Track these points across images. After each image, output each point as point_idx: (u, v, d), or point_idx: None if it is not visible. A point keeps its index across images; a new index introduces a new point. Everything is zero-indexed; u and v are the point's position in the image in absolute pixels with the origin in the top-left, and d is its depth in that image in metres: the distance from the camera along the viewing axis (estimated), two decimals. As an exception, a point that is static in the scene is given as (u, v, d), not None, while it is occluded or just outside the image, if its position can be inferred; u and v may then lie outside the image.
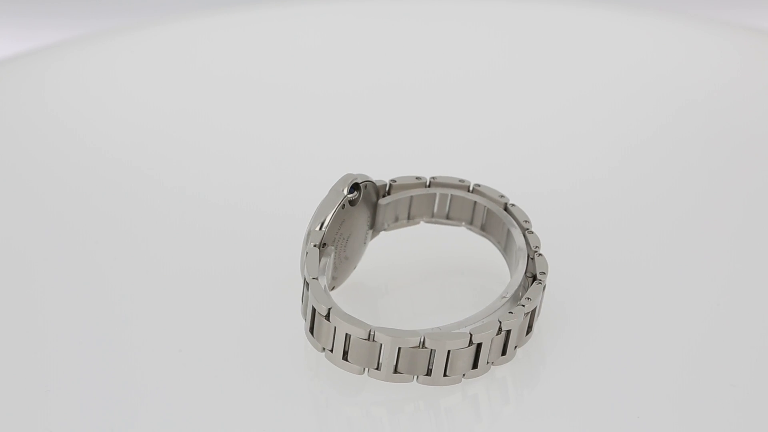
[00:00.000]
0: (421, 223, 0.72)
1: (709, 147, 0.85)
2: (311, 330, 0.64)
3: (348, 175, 0.68)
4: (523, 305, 0.65)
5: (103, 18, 1.19)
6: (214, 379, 0.66)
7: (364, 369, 0.63)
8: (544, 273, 0.66)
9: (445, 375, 0.63)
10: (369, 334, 0.62)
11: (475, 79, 0.91)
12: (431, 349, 0.62)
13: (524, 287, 0.67)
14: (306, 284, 0.64)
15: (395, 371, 0.63)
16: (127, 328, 0.69)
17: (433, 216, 0.72)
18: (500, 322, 0.63)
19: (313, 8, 0.97)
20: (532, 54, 0.93)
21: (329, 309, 0.63)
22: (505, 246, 0.70)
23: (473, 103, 0.89)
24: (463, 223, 0.72)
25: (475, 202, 0.71)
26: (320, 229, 0.66)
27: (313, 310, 0.64)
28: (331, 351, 0.63)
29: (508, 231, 0.70)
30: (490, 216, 0.71)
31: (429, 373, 0.63)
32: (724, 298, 0.72)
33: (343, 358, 0.63)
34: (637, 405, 0.65)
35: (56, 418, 0.64)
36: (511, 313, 0.64)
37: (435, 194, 0.71)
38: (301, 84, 0.90)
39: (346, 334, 0.63)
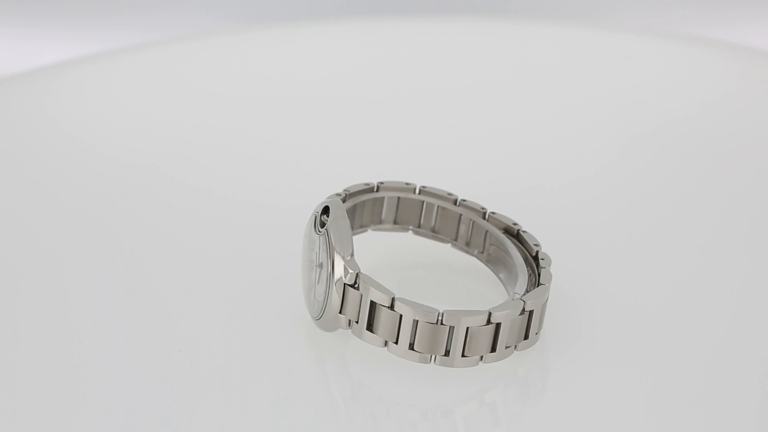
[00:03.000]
0: None
1: (699, 152, 0.88)
2: (412, 345, 0.64)
3: (334, 200, 0.67)
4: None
5: (121, 33, 1.22)
6: (214, 380, 0.66)
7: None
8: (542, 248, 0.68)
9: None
10: (487, 319, 0.63)
11: (471, 94, 0.94)
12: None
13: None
14: (388, 306, 0.64)
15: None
16: (126, 328, 0.69)
17: (361, 226, 0.73)
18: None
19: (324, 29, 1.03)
20: (521, 72, 0.97)
21: (439, 314, 0.63)
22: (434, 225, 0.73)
23: (458, 115, 0.92)
24: (370, 227, 0.73)
25: (384, 197, 0.72)
26: (352, 256, 0.65)
27: (415, 322, 0.63)
28: (446, 355, 0.64)
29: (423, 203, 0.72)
30: (402, 205, 0.73)
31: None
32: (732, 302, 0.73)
33: (463, 355, 0.64)
34: (642, 413, 0.65)
35: (56, 418, 0.63)
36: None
37: (354, 205, 0.72)
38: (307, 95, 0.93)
39: (467, 328, 0.63)
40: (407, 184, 0.73)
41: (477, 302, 0.69)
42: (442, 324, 0.63)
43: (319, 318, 0.66)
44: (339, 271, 0.64)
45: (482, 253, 0.73)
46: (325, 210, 0.66)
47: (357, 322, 0.64)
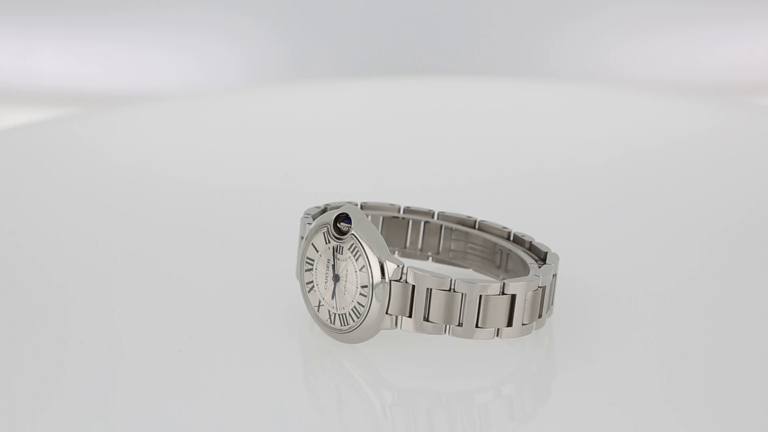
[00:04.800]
0: None
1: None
2: (477, 323, 0.63)
3: (349, 206, 0.65)
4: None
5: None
6: (215, 379, 0.64)
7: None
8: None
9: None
10: (538, 284, 0.64)
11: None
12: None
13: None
14: (447, 290, 0.62)
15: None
16: (126, 328, 0.68)
17: None
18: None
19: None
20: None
21: (502, 284, 0.63)
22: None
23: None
24: None
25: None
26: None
27: (480, 298, 0.62)
28: (510, 325, 0.63)
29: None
30: None
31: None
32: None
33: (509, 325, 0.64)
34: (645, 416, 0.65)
35: (55, 420, 0.62)
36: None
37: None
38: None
39: (514, 296, 0.63)
40: (349, 202, 0.73)
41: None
42: (503, 294, 0.63)
43: (353, 329, 0.64)
44: (377, 271, 0.63)
45: (438, 254, 0.74)
46: (338, 218, 0.65)
47: (410, 316, 0.63)
